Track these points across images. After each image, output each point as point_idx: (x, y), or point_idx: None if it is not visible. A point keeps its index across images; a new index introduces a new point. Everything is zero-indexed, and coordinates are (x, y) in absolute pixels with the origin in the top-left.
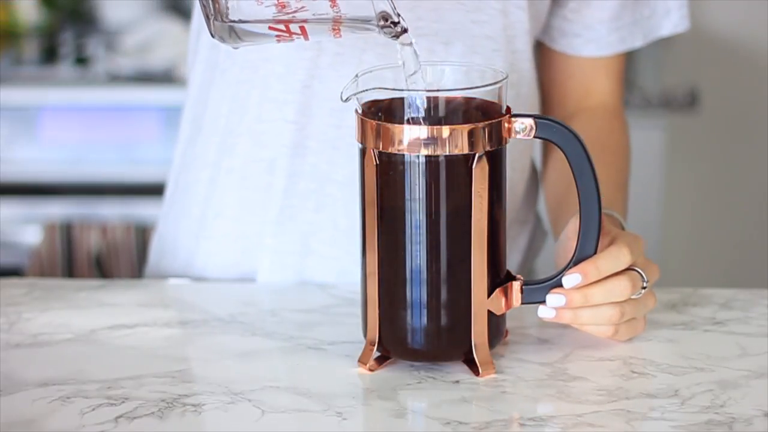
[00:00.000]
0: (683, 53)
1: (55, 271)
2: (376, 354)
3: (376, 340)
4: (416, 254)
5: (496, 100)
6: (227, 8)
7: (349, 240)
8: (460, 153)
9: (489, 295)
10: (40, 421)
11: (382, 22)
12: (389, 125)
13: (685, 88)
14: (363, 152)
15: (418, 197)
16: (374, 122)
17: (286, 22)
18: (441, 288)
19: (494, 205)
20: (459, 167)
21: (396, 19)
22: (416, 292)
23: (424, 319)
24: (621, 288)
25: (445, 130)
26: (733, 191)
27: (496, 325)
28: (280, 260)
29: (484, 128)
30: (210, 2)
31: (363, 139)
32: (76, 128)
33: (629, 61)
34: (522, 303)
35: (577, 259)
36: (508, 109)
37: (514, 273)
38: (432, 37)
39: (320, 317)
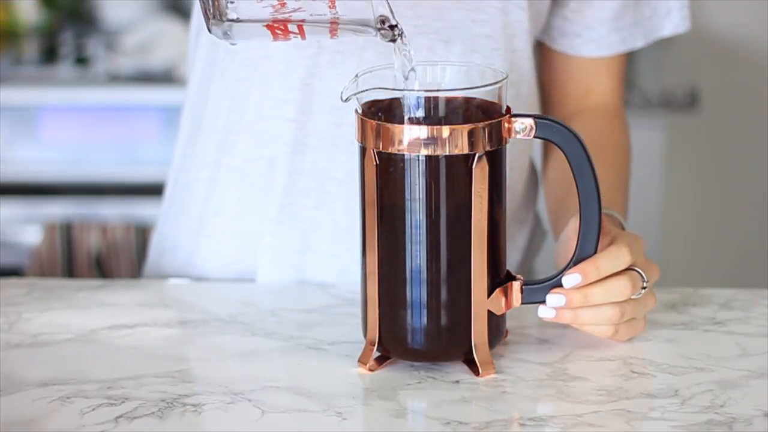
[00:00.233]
0: (683, 53)
1: (55, 271)
2: (376, 354)
3: (376, 340)
4: (416, 254)
5: (496, 100)
6: (227, 7)
7: (349, 238)
8: (460, 153)
9: (489, 295)
10: (40, 421)
11: (379, 25)
12: (389, 125)
13: (685, 88)
14: (363, 152)
15: (418, 197)
16: (374, 122)
17: (283, 22)
18: (441, 288)
19: (494, 205)
20: (459, 167)
21: (394, 23)
22: (416, 292)
23: (424, 319)
24: (621, 288)
25: (445, 130)
26: (733, 191)
27: (496, 325)
28: (280, 258)
29: (484, 128)
30: (210, 0)
31: (363, 139)
32: (76, 128)
33: (629, 61)
34: (522, 303)
35: (577, 259)
36: (508, 109)
37: (513, 272)
38: (432, 35)
39: (320, 317)
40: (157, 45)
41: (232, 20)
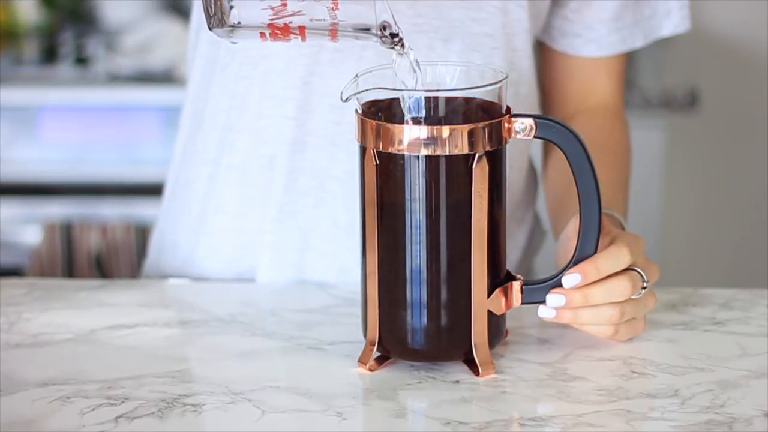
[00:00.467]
0: (683, 53)
1: (55, 271)
2: (376, 354)
3: (376, 340)
4: (416, 254)
5: (496, 100)
6: (229, 8)
7: (349, 236)
8: (460, 153)
9: (489, 295)
10: (40, 421)
11: (380, 32)
12: (389, 125)
13: (685, 88)
14: (363, 152)
15: (418, 197)
16: (374, 122)
17: (283, 28)
18: (441, 288)
19: (494, 204)
20: (459, 167)
21: (395, 30)
22: (416, 292)
23: (424, 319)
24: (621, 288)
25: (445, 130)
26: (733, 191)
27: (496, 325)
28: (279, 256)
29: (484, 128)
30: (212, 0)
31: (363, 138)
32: (76, 128)
33: (629, 61)
34: (522, 303)
35: (577, 259)
36: (508, 109)
37: (512, 272)
38: (431, 34)
39: (320, 317)
40: (157, 45)
41: (234, 25)
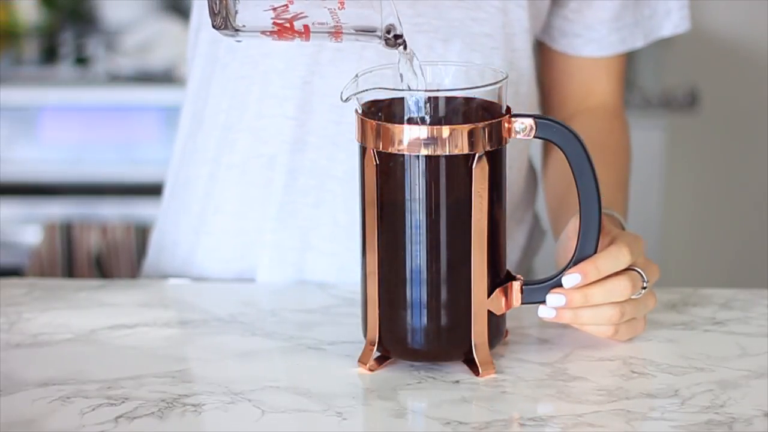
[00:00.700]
0: (683, 53)
1: (55, 271)
2: (376, 354)
3: (376, 340)
4: (416, 254)
5: (496, 100)
6: (235, 12)
7: (349, 236)
8: (460, 153)
9: (489, 295)
10: (40, 421)
11: (385, 35)
12: (389, 125)
13: (685, 88)
14: (363, 152)
15: (418, 197)
16: (374, 122)
17: (288, 29)
18: (441, 288)
19: (494, 205)
20: (459, 167)
21: (399, 33)
22: (416, 292)
23: (424, 319)
24: (621, 288)
25: (445, 130)
26: (733, 191)
27: (496, 325)
28: (279, 256)
29: (484, 128)
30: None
31: (363, 138)
32: (76, 128)
33: (629, 61)
34: (522, 303)
35: (577, 259)
36: (508, 109)
37: (512, 272)
38: (431, 34)
39: (320, 317)
40: (157, 45)
41: (239, 29)
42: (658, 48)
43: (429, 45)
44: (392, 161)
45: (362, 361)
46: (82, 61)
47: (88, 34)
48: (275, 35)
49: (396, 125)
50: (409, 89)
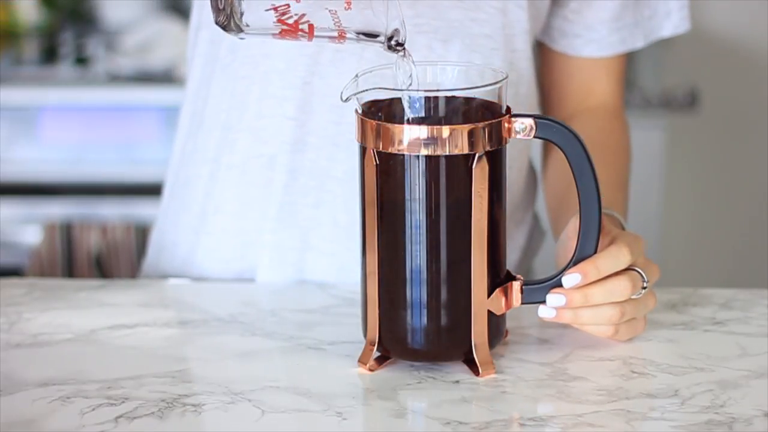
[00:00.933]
0: (683, 53)
1: (55, 271)
2: (376, 354)
3: (376, 340)
4: (416, 254)
5: (496, 100)
6: (240, 10)
7: (349, 236)
8: (460, 153)
9: (489, 295)
10: (40, 421)
11: (387, 41)
12: (389, 125)
13: (685, 88)
14: (363, 152)
15: (418, 197)
16: (374, 122)
17: (292, 32)
18: (441, 288)
19: (494, 205)
20: (459, 167)
21: (402, 40)
22: (416, 292)
23: (424, 319)
24: (621, 288)
25: (445, 130)
26: (733, 191)
27: (496, 325)
28: (279, 256)
29: (484, 128)
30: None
31: (363, 138)
32: (76, 128)
33: (629, 61)
34: (522, 303)
35: (577, 259)
36: (508, 109)
37: (512, 272)
38: (431, 35)
39: (320, 317)
40: (157, 45)
41: (243, 28)
42: (658, 48)
43: (428, 46)
44: (392, 161)
45: (362, 361)
46: (82, 61)
47: (88, 34)
48: (279, 35)
49: (396, 125)
50: (408, 89)
